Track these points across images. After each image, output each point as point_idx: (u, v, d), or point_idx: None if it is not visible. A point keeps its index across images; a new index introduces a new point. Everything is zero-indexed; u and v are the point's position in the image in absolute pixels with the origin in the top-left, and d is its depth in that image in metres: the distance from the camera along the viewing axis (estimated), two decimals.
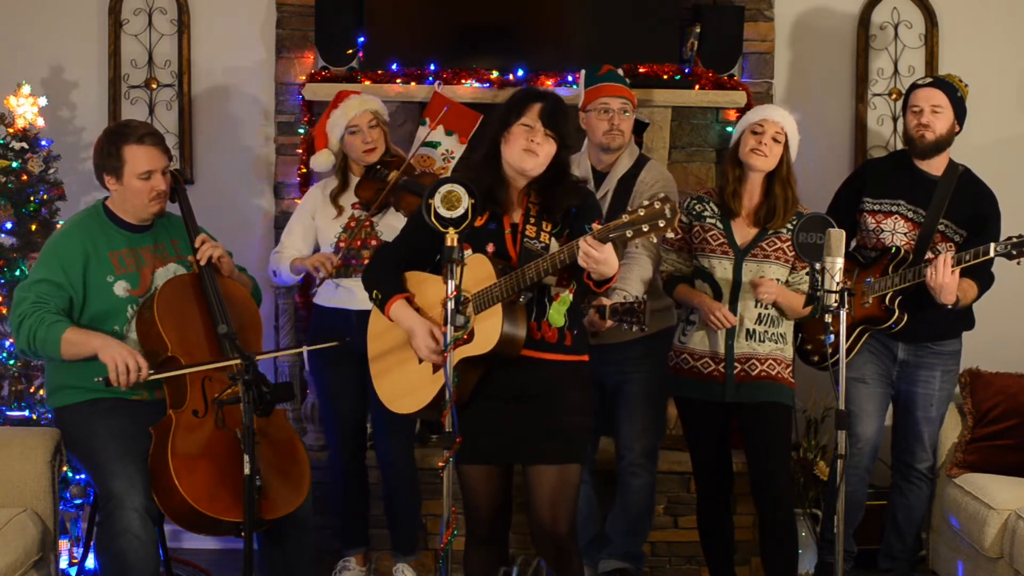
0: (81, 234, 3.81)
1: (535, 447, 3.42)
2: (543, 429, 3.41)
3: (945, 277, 4.01)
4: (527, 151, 3.38)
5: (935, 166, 4.32)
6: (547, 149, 3.40)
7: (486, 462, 3.47)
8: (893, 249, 4.27)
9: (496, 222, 3.46)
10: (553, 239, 3.43)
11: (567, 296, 3.42)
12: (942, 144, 4.27)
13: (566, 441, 3.44)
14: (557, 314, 3.38)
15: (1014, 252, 3.99)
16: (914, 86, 4.35)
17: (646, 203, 3.13)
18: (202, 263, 3.82)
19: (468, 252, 3.38)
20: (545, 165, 3.41)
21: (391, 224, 4.25)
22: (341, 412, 4.40)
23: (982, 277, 4.24)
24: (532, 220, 3.44)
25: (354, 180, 4.39)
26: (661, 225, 3.11)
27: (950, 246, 4.25)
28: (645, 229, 3.12)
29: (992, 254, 4.00)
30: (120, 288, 3.79)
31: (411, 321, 3.44)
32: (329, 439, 4.54)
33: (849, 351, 4.24)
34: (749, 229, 3.99)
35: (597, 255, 3.19)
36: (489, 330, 3.32)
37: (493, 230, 3.45)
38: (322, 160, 4.46)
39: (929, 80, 4.34)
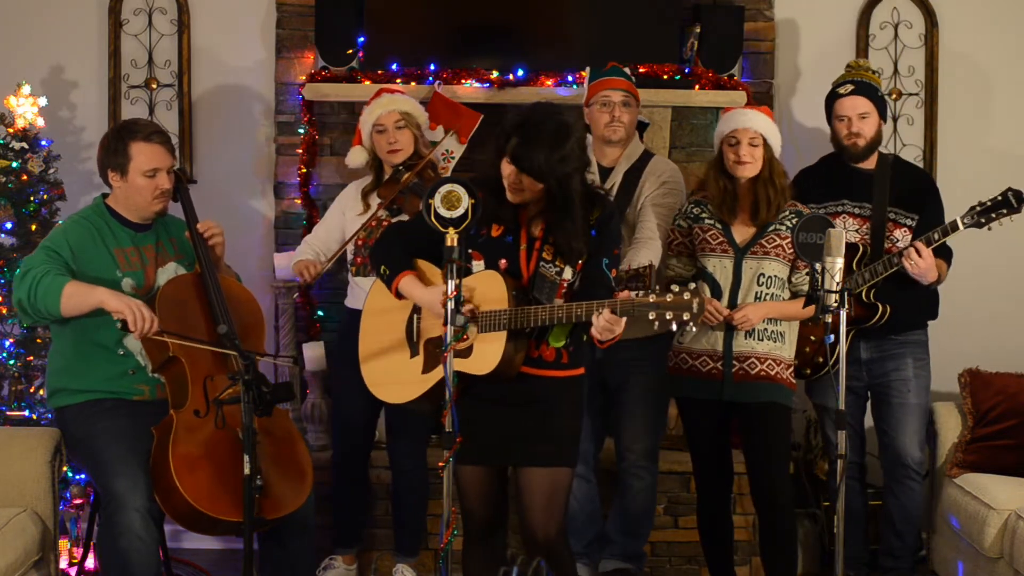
0: (89, 225, 3.80)
1: (526, 449, 3.42)
2: (534, 432, 3.41)
3: (928, 261, 4.12)
4: (511, 189, 3.34)
5: (867, 161, 4.39)
6: (527, 184, 3.30)
7: (478, 463, 3.46)
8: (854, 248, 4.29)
9: (514, 235, 3.41)
10: (567, 266, 3.36)
11: None
12: (874, 145, 4.35)
13: (557, 444, 3.44)
14: (560, 334, 3.32)
15: (982, 220, 4.10)
16: (836, 95, 4.35)
17: (676, 290, 3.06)
18: (203, 234, 3.82)
19: (480, 264, 3.38)
20: (532, 196, 3.33)
21: None
22: (346, 411, 4.43)
23: (943, 252, 4.30)
24: (551, 240, 3.37)
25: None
26: (685, 318, 3.05)
27: (905, 231, 4.29)
28: (668, 316, 3.06)
29: (961, 227, 4.11)
30: (127, 286, 3.78)
31: (423, 293, 3.39)
32: (334, 437, 4.56)
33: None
34: (748, 228, 3.99)
35: (613, 329, 3.14)
36: (489, 353, 3.30)
37: (510, 243, 3.40)
38: (354, 156, 4.49)
39: (850, 88, 4.32)
